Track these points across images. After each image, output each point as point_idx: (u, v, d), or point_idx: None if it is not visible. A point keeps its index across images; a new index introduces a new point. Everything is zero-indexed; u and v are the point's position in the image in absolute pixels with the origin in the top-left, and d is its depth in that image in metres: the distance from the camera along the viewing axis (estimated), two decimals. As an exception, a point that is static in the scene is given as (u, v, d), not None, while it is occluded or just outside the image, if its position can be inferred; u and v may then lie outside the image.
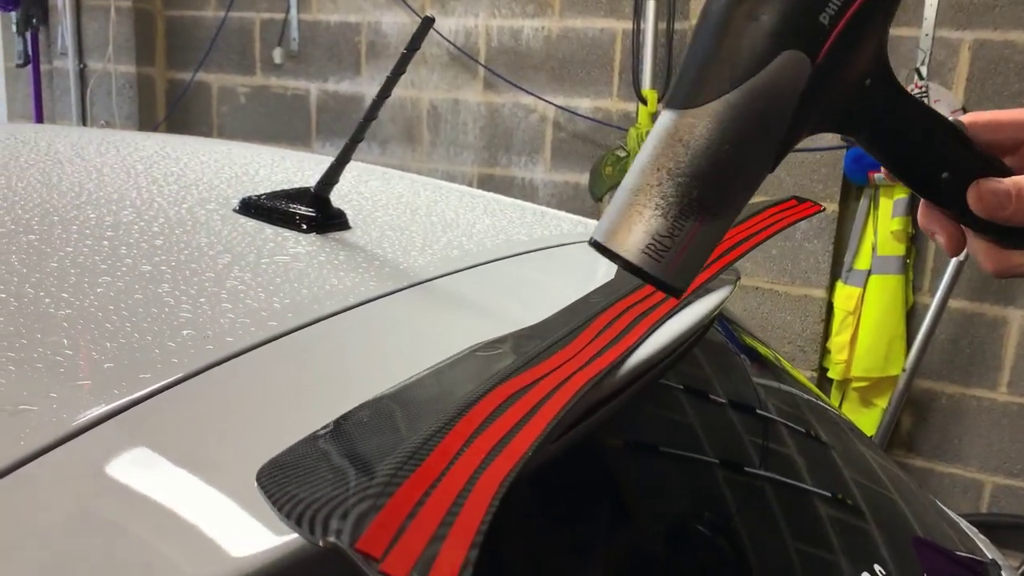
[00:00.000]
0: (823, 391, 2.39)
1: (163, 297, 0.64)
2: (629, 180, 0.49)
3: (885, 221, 2.49)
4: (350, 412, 0.48)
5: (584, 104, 2.88)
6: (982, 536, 1.18)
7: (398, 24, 3.12)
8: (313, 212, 0.84)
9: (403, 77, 0.79)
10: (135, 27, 3.42)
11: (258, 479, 0.40)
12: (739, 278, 0.95)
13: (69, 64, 3.52)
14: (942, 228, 0.56)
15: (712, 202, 0.47)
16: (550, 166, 2.97)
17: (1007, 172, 0.53)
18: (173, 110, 3.55)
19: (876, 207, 2.51)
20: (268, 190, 0.89)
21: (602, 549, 0.76)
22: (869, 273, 2.53)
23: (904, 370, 2.52)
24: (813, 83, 0.48)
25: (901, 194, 2.46)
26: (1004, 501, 2.57)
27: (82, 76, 3.55)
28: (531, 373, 0.55)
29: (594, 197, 2.83)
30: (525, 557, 0.68)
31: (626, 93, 2.81)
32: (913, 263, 2.55)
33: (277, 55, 3.30)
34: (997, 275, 0.56)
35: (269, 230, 0.81)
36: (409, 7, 3.05)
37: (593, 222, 1.17)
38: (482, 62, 2.99)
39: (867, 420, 2.58)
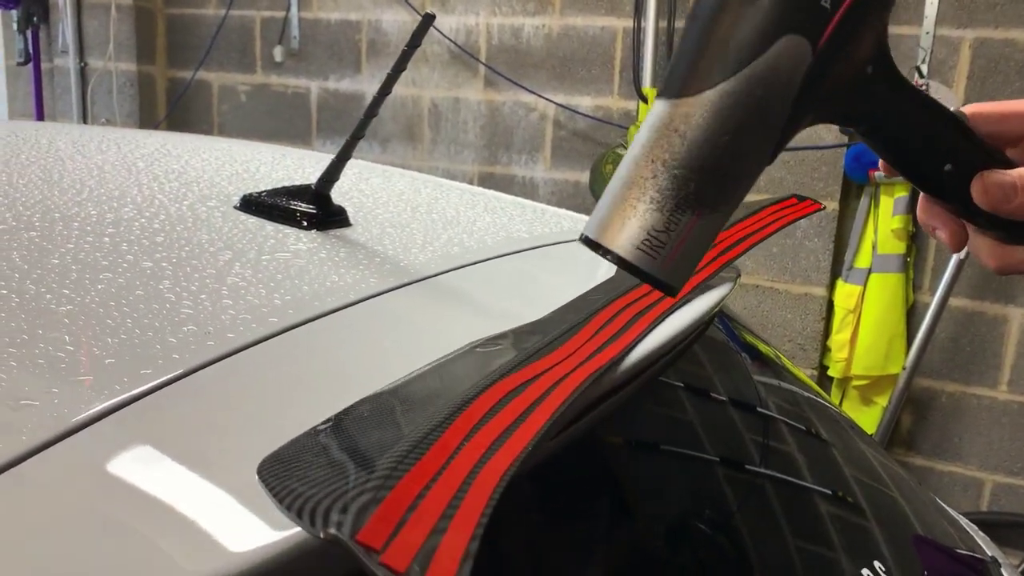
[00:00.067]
0: (823, 389, 2.39)
1: (164, 293, 0.64)
2: (622, 173, 0.47)
3: (886, 219, 2.49)
4: (350, 407, 0.48)
5: (585, 102, 2.88)
6: (982, 534, 1.18)
7: (399, 22, 3.12)
8: (314, 209, 0.84)
9: (404, 75, 0.79)
10: (136, 25, 3.42)
11: (259, 473, 0.41)
12: (739, 276, 0.96)
13: (70, 62, 3.52)
14: (944, 223, 0.55)
15: (710, 195, 0.46)
16: (551, 164, 2.97)
17: (1010, 164, 0.52)
18: (174, 108, 3.55)
19: (877, 205, 2.51)
20: (269, 187, 0.89)
21: (602, 546, 0.76)
22: (869, 271, 2.53)
23: (904, 368, 2.52)
24: (814, 69, 0.46)
25: (902, 192, 2.46)
26: (1004, 500, 2.58)
27: (83, 74, 3.55)
28: (531, 369, 0.55)
29: (594, 195, 2.83)
30: (526, 553, 0.68)
31: (627, 91, 2.81)
32: (914, 261, 2.55)
33: (278, 53, 3.30)
34: (999, 272, 0.55)
35: (270, 227, 0.81)
36: (410, 5, 3.05)
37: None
38: (483, 60, 2.99)
39: (867, 418, 2.59)
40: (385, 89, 0.79)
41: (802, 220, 2.66)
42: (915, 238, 2.53)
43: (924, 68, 2.39)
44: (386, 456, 0.41)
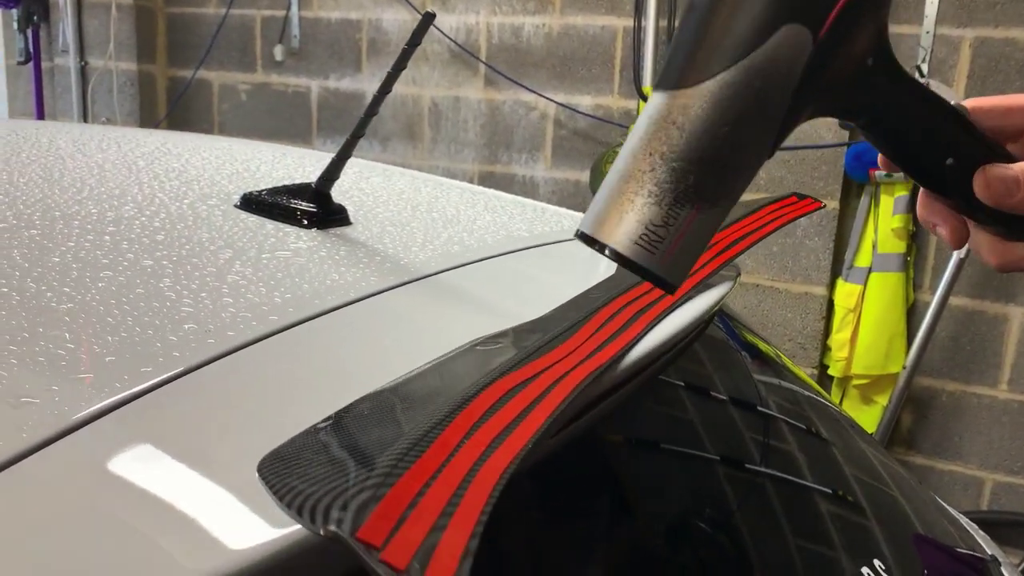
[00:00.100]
0: (823, 388, 2.40)
1: (164, 292, 0.64)
2: (619, 166, 0.46)
3: (886, 218, 2.49)
4: (351, 405, 0.48)
5: (585, 101, 2.88)
6: (982, 532, 1.18)
7: (399, 21, 3.12)
8: (314, 208, 0.84)
9: (404, 74, 0.79)
10: (136, 24, 3.42)
11: (259, 470, 0.41)
12: (739, 274, 0.96)
13: (70, 61, 3.52)
14: (944, 219, 0.54)
15: (709, 188, 0.44)
16: (551, 163, 2.97)
17: (1011, 159, 0.51)
18: (174, 107, 3.55)
19: (877, 204, 2.51)
20: (269, 186, 0.89)
21: (602, 544, 0.76)
22: (870, 270, 2.53)
23: (904, 367, 2.52)
24: (814, 60, 0.45)
25: (902, 191, 2.47)
26: (1004, 498, 2.58)
27: (83, 73, 3.55)
28: (531, 367, 0.55)
29: (595, 194, 2.83)
30: (526, 551, 0.68)
31: (627, 90, 2.81)
32: (914, 260, 2.55)
33: (278, 52, 3.30)
34: (1000, 269, 0.54)
35: (270, 225, 0.81)
36: (410, 4, 3.05)
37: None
38: (483, 59, 2.99)
39: (867, 417, 2.59)
40: (385, 88, 0.79)
41: (802, 219, 2.66)
42: (915, 237, 2.53)
43: (924, 67, 2.39)
44: (386, 454, 0.41)
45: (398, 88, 3.11)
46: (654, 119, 0.45)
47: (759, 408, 1.04)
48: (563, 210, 1.19)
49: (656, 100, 0.46)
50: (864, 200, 2.55)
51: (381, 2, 3.13)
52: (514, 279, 0.87)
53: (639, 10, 2.73)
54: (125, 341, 0.57)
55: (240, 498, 0.46)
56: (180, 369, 0.55)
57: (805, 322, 2.66)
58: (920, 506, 1.08)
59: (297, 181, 0.92)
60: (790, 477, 0.97)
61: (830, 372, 2.64)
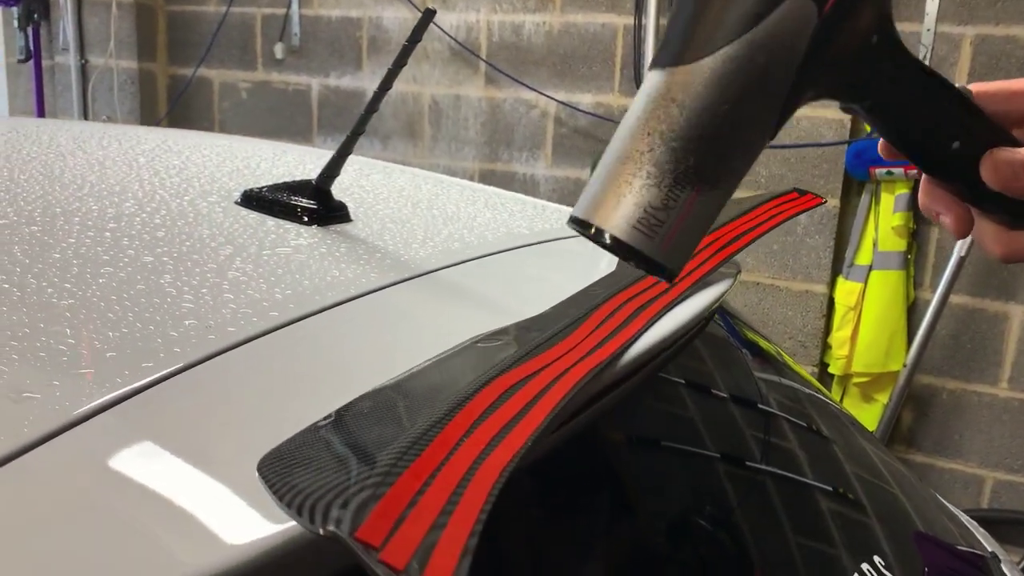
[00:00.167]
0: (824, 386, 2.39)
1: (165, 288, 0.64)
2: (614, 148, 0.44)
3: (886, 216, 2.49)
4: (351, 402, 0.48)
5: (585, 99, 2.88)
6: (982, 530, 1.18)
7: (399, 19, 3.11)
8: (314, 204, 0.84)
9: (404, 72, 0.79)
10: (136, 22, 3.42)
11: (259, 469, 0.41)
12: (739, 271, 0.95)
13: (71, 60, 3.52)
14: (948, 208, 0.52)
15: (710, 169, 0.43)
16: (551, 162, 2.97)
17: (1017, 144, 0.49)
18: (175, 106, 3.55)
19: (877, 202, 2.51)
20: (270, 183, 0.89)
21: (602, 541, 0.76)
22: (870, 268, 2.53)
23: (905, 366, 2.52)
24: (819, 35, 0.43)
25: (902, 189, 2.46)
26: (1005, 497, 2.58)
27: (83, 72, 3.55)
28: (532, 364, 0.55)
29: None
30: (525, 548, 0.68)
31: (627, 88, 2.81)
32: (914, 259, 2.55)
33: (278, 50, 3.30)
34: (1004, 259, 0.52)
35: (271, 222, 0.81)
36: (411, 2, 3.05)
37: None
38: (483, 57, 2.99)
39: (868, 416, 2.59)
40: (386, 85, 0.79)
41: (803, 217, 2.65)
42: (916, 235, 2.53)
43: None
44: (386, 452, 0.41)
45: (399, 86, 3.11)
46: (652, 97, 0.43)
47: (760, 406, 1.04)
48: (563, 207, 1.19)
49: (654, 78, 0.44)
50: (865, 198, 2.55)
51: (382, 0, 3.12)
52: (514, 276, 0.87)
53: (639, 8, 2.73)
54: (126, 337, 0.57)
55: (240, 494, 0.46)
56: (181, 365, 0.55)
57: (806, 320, 2.66)
58: (920, 504, 1.08)
59: (298, 178, 0.92)
60: (790, 475, 0.97)
61: (830, 370, 2.64)
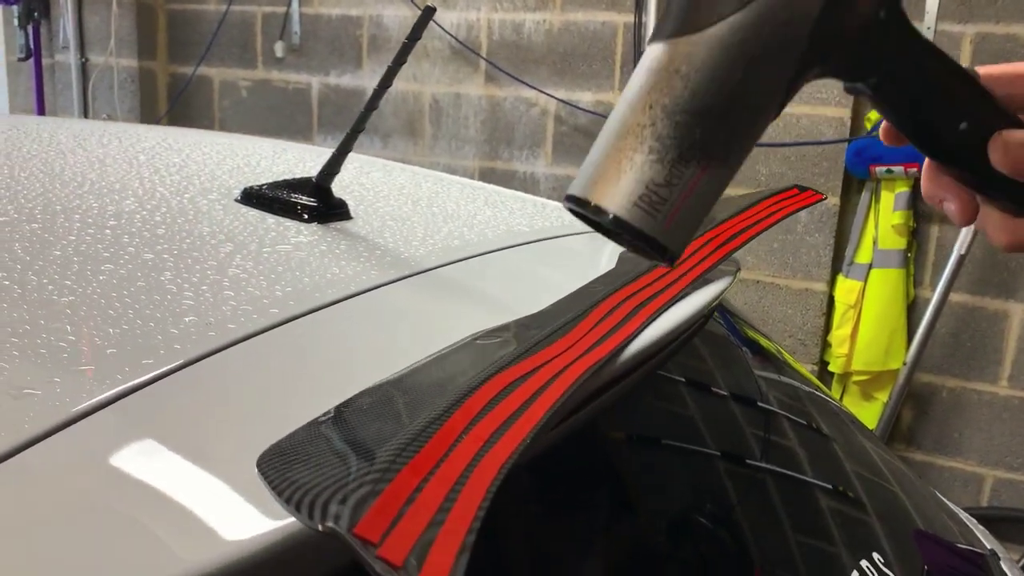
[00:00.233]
0: (824, 385, 2.39)
1: (165, 285, 0.64)
2: (613, 122, 0.42)
3: (886, 215, 2.49)
4: (350, 399, 0.48)
5: (586, 98, 2.88)
6: (981, 527, 1.18)
7: (399, 17, 3.11)
8: (315, 202, 0.84)
9: (405, 70, 0.79)
10: (137, 21, 3.42)
11: (258, 465, 0.41)
12: (739, 269, 0.96)
13: (71, 58, 3.52)
14: (953, 194, 0.50)
15: (716, 144, 0.41)
16: (551, 160, 2.97)
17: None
18: (175, 104, 3.55)
19: (877, 201, 2.51)
20: (270, 181, 0.89)
21: (601, 539, 0.76)
22: (870, 267, 2.53)
23: (905, 364, 2.52)
24: (827, 6, 0.41)
25: (902, 188, 2.47)
26: (1004, 495, 2.58)
27: (84, 70, 3.55)
28: (531, 361, 0.55)
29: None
30: (524, 545, 0.68)
31: (628, 87, 2.81)
32: (914, 257, 2.55)
33: (279, 49, 3.30)
34: (1009, 249, 0.50)
35: (271, 219, 0.81)
36: (411, 0, 3.05)
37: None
38: (483, 56, 2.99)
39: (868, 414, 2.59)
40: (385, 82, 0.79)
41: (803, 215, 2.65)
42: (916, 233, 2.53)
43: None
44: (384, 449, 0.41)
45: (399, 85, 3.11)
46: (654, 69, 0.41)
47: (759, 404, 1.04)
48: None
49: (655, 50, 0.42)
50: (865, 196, 2.55)
51: (382, -2, 3.13)
52: (514, 274, 0.88)
53: (640, 6, 2.73)
54: (126, 333, 0.57)
55: (239, 491, 0.46)
56: (181, 361, 0.55)
57: (805, 318, 2.66)
58: (920, 502, 1.08)
59: (298, 176, 0.92)
60: (790, 472, 0.97)
61: (830, 368, 2.64)
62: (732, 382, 1.04)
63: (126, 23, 3.42)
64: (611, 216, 0.41)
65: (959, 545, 1.07)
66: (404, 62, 0.78)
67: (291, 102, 3.36)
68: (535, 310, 0.68)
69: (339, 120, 3.28)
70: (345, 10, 3.19)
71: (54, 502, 0.44)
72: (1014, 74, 0.49)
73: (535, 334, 0.61)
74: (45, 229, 0.72)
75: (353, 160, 0.97)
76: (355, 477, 0.38)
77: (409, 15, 3.08)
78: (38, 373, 0.52)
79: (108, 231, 0.73)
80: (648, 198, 0.40)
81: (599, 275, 0.78)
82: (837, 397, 2.53)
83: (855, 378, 2.61)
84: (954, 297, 2.50)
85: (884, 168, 2.44)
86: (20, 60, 3.53)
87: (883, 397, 2.58)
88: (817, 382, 1.24)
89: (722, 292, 0.86)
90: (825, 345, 2.67)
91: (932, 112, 0.47)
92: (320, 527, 0.35)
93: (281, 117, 3.37)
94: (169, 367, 0.54)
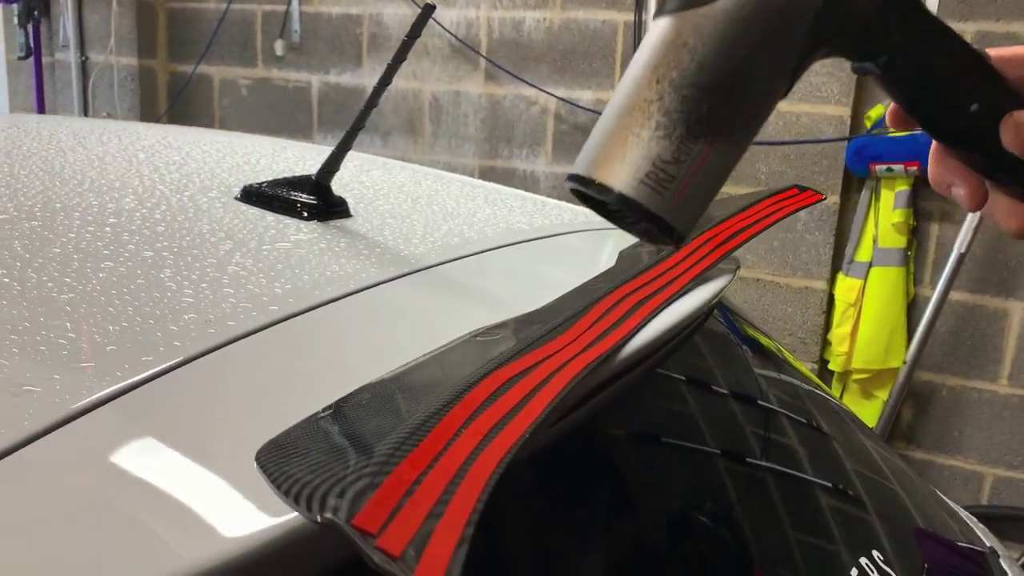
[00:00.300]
0: (824, 383, 2.40)
1: (165, 282, 0.64)
2: (618, 98, 0.41)
3: (886, 213, 2.49)
4: (350, 394, 0.48)
5: (586, 96, 2.88)
6: (981, 525, 1.18)
7: (399, 16, 3.11)
8: (314, 200, 0.84)
9: (404, 69, 0.79)
10: (137, 19, 3.42)
11: (257, 458, 0.41)
12: (739, 267, 0.96)
13: (71, 56, 3.52)
14: (963, 178, 0.49)
15: (724, 120, 0.40)
16: (551, 158, 2.97)
17: None
18: (175, 102, 3.55)
19: (877, 199, 2.51)
20: (269, 179, 0.89)
21: (601, 535, 0.76)
22: (870, 265, 2.53)
23: (905, 362, 2.52)
24: None
25: (902, 186, 2.46)
26: (1004, 493, 2.58)
27: (84, 69, 3.55)
28: (530, 357, 0.55)
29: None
30: (524, 541, 0.68)
31: (628, 85, 2.81)
32: (914, 255, 2.55)
33: (279, 47, 3.30)
34: (1019, 235, 0.49)
35: (271, 217, 0.82)
36: (411, -1, 3.05)
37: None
38: (483, 54, 2.99)
39: (868, 412, 2.59)
40: (385, 80, 0.79)
41: (803, 214, 2.65)
42: (916, 232, 2.53)
43: (925, 61, 2.39)
44: (384, 442, 0.41)
45: (399, 83, 3.11)
46: (661, 43, 0.40)
47: (759, 402, 1.04)
48: (563, 203, 1.19)
49: (661, 24, 0.41)
50: (865, 195, 2.55)
51: (382, -3, 3.13)
52: (514, 272, 0.88)
53: (639, 4, 2.73)
54: (126, 331, 0.57)
55: (239, 487, 0.46)
56: (180, 359, 0.55)
57: (805, 317, 2.66)
58: (920, 500, 1.08)
59: (297, 174, 0.92)
60: (790, 470, 0.97)
61: (830, 367, 2.64)
62: (732, 380, 1.04)
63: (126, 21, 3.42)
64: (616, 194, 0.39)
65: (959, 543, 1.07)
66: (404, 60, 0.78)
67: (291, 100, 3.36)
68: (535, 308, 0.68)
69: (339, 118, 3.28)
70: (345, 8, 3.19)
71: (54, 499, 0.44)
72: (1022, 56, 0.48)
73: (535, 331, 0.61)
74: (45, 227, 0.72)
75: (353, 158, 0.98)
76: (354, 470, 0.39)
77: (409, 13, 3.08)
78: (38, 370, 0.52)
79: (108, 229, 0.73)
80: (655, 175, 0.39)
81: (599, 273, 0.78)
82: (837, 395, 2.53)
83: (855, 376, 2.61)
84: (954, 295, 2.50)
85: (884, 166, 2.44)
86: (20, 59, 3.53)
87: (883, 395, 2.59)
88: (817, 380, 1.24)
89: (722, 290, 0.86)
90: (825, 343, 2.67)
91: (943, 92, 0.46)
92: (319, 519, 0.35)
93: (281, 115, 3.37)
94: (168, 364, 0.54)
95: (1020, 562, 2.34)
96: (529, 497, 0.68)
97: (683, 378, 0.92)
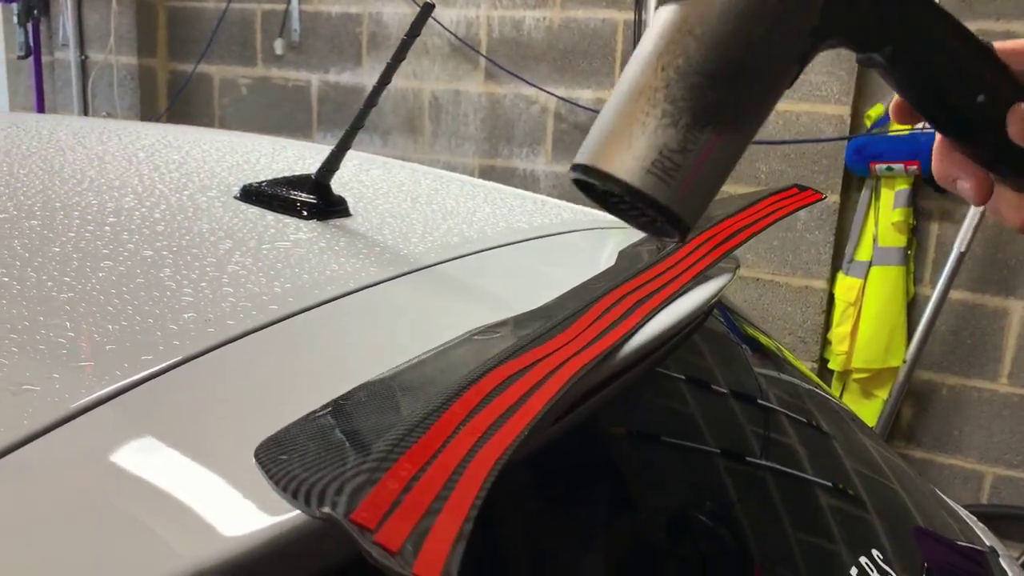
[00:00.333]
0: (824, 382, 2.40)
1: (165, 281, 0.64)
2: (623, 87, 0.40)
3: (886, 212, 2.49)
4: (348, 392, 0.48)
5: (585, 95, 2.88)
6: (981, 524, 1.19)
7: (399, 15, 3.11)
8: (314, 199, 0.84)
9: (404, 68, 0.79)
10: (136, 18, 3.42)
11: (256, 455, 0.41)
12: (738, 266, 0.96)
13: (70, 56, 3.52)
14: (968, 172, 0.49)
15: (731, 108, 0.39)
16: (551, 157, 2.97)
17: None
18: (175, 101, 3.55)
19: (877, 198, 2.51)
20: (269, 178, 0.89)
21: (600, 534, 0.76)
22: (870, 264, 2.53)
23: (905, 361, 2.52)
24: None
25: (902, 185, 2.46)
26: (1004, 492, 2.58)
27: (83, 68, 3.55)
28: (530, 355, 0.55)
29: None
30: (523, 539, 0.68)
31: (628, 84, 2.81)
32: (914, 254, 2.55)
33: (278, 46, 3.30)
34: (1023, 229, 0.49)
35: (270, 216, 0.82)
36: (411, -2, 3.05)
37: (595, 211, 1.17)
38: (483, 53, 2.99)
39: (868, 411, 2.59)
40: (384, 79, 0.79)
41: (802, 213, 2.65)
42: (916, 231, 2.53)
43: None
44: (383, 439, 0.42)
45: (398, 82, 3.11)
46: (666, 31, 0.39)
47: (759, 401, 1.04)
48: (563, 202, 1.19)
49: (667, 12, 0.40)
50: (864, 194, 2.55)
51: (382, -4, 3.13)
52: (513, 271, 0.88)
53: (639, 3, 2.73)
54: (125, 330, 0.57)
55: (238, 486, 0.46)
56: (180, 358, 0.55)
57: (805, 316, 2.66)
58: (920, 499, 1.08)
59: (297, 173, 0.92)
60: (790, 470, 0.97)
61: (830, 366, 2.65)
62: (732, 379, 1.04)
63: (126, 20, 3.42)
64: (622, 183, 0.39)
65: (958, 542, 1.07)
66: (403, 59, 0.78)
67: (291, 99, 3.36)
68: (534, 307, 0.68)
69: (339, 117, 3.28)
70: (345, 7, 3.19)
71: (53, 498, 0.44)
72: None
73: (534, 329, 0.61)
74: (44, 226, 0.72)
75: (352, 157, 0.98)
76: (352, 465, 0.39)
77: (408, 12, 3.08)
78: (37, 369, 0.52)
79: (107, 228, 0.73)
80: (661, 164, 0.38)
81: (599, 272, 0.78)
82: (837, 395, 2.53)
83: (855, 376, 2.61)
84: (954, 294, 2.50)
85: (884, 165, 2.44)
86: (20, 58, 3.53)
87: (883, 395, 2.59)
88: (817, 380, 1.24)
89: (721, 289, 0.86)
90: (825, 343, 2.67)
91: (949, 83, 0.46)
92: (317, 513, 0.35)
93: (281, 114, 3.37)
94: (168, 363, 0.54)
95: (1020, 561, 2.34)
96: (529, 495, 0.68)
97: (683, 377, 0.92)
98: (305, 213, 0.83)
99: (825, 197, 1.05)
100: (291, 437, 0.42)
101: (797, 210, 0.98)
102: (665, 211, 0.39)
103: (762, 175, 2.62)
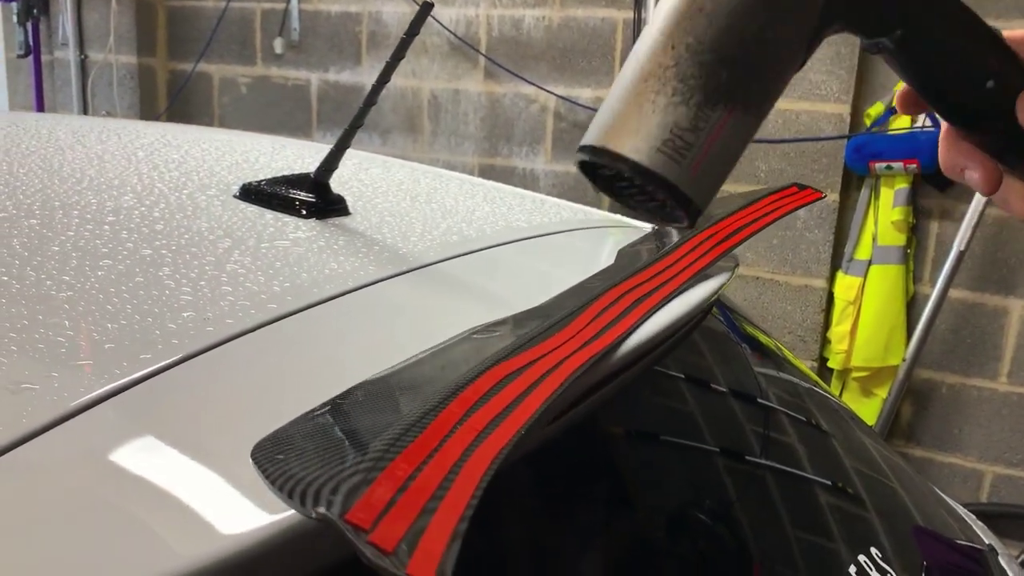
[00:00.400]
0: (823, 381, 2.40)
1: (164, 280, 0.64)
2: (632, 66, 0.39)
3: (886, 211, 2.49)
4: (346, 391, 0.48)
5: (585, 94, 2.88)
6: (980, 523, 1.19)
7: (399, 14, 3.11)
8: (313, 198, 0.84)
9: (403, 67, 0.79)
10: (136, 17, 3.42)
11: (253, 455, 0.41)
12: (738, 264, 0.96)
13: (70, 55, 3.52)
14: (977, 161, 0.48)
15: (743, 87, 0.39)
16: (551, 156, 2.97)
17: None
18: (174, 101, 3.55)
19: (877, 197, 2.51)
20: (268, 177, 0.89)
21: (599, 534, 0.76)
22: (870, 263, 2.53)
23: (904, 360, 2.52)
24: None
25: (902, 184, 2.47)
26: (1004, 491, 2.58)
27: (83, 67, 3.55)
28: (528, 354, 0.55)
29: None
30: (521, 539, 0.68)
31: (627, 83, 2.81)
32: (914, 253, 2.55)
33: (278, 45, 3.30)
34: None
35: (269, 215, 0.82)
36: (410, -3, 3.05)
37: (595, 211, 1.17)
38: (483, 52, 2.99)
39: (867, 410, 2.59)
40: (384, 77, 0.79)
41: (802, 212, 2.65)
42: (915, 230, 2.53)
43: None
44: (379, 439, 0.41)
45: (398, 81, 3.11)
46: (676, 8, 0.39)
47: (759, 400, 1.04)
48: (562, 202, 1.19)
49: None
50: (864, 193, 2.55)
51: (381, -5, 3.13)
52: (513, 270, 0.88)
53: (639, 2, 2.73)
54: (124, 329, 0.57)
55: (237, 485, 0.46)
56: (179, 356, 0.55)
57: (805, 315, 2.66)
58: (919, 497, 1.08)
59: (296, 172, 0.92)
60: (789, 468, 0.97)
61: (830, 365, 2.65)
62: (731, 378, 1.04)
63: (125, 20, 3.42)
64: (631, 163, 0.38)
65: (958, 541, 1.07)
66: (402, 58, 0.78)
67: (290, 98, 3.36)
68: (533, 306, 0.68)
69: (338, 116, 3.28)
70: (344, 6, 3.19)
71: (51, 497, 0.44)
72: None
73: (532, 328, 0.61)
74: (44, 225, 0.72)
75: (352, 156, 0.98)
76: (349, 465, 0.39)
77: (408, 11, 3.08)
78: (36, 368, 0.52)
79: (107, 227, 0.73)
80: (672, 143, 0.38)
81: (598, 270, 0.78)
82: (836, 393, 2.54)
83: (854, 374, 2.61)
84: (954, 293, 2.50)
85: (884, 164, 2.44)
86: (19, 57, 3.53)
87: (882, 393, 2.59)
88: (816, 378, 1.24)
89: (720, 287, 0.86)
90: (824, 341, 2.67)
91: (958, 68, 0.45)
92: (313, 514, 0.35)
93: (280, 113, 3.37)
94: (167, 362, 0.54)
95: (1019, 560, 2.34)
96: (527, 495, 0.68)
97: (682, 376, 0.92)
98: (304, 212, 0.83)
99: (825, 196, 1.05)
100: (288, 436, 0.42)
101: (796, 209, 0.98)
102: (675, 192, 0.38)
103: (761, 174, 2.62)
